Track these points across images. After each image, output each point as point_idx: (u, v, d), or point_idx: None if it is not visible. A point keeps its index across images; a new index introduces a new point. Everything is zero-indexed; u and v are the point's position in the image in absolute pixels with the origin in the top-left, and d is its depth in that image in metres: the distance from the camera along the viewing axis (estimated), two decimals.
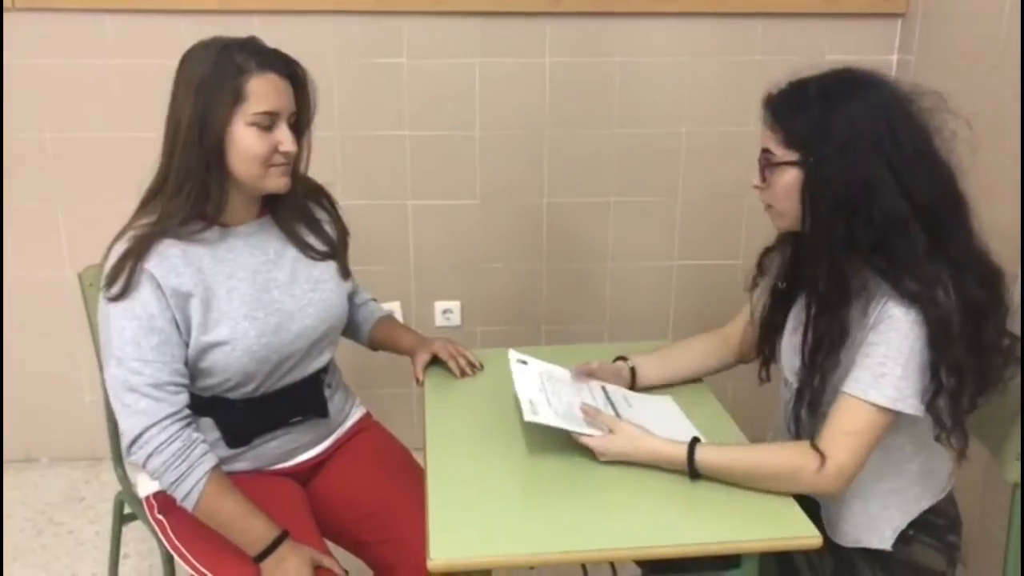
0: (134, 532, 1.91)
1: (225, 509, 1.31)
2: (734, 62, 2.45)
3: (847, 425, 1.19)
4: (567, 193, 2.52)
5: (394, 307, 2.54)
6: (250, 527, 1.31)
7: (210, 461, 1.32)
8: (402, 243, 2.54)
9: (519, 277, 2.60)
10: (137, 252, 1.32)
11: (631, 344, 1.78)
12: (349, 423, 1.63)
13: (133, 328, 1.31)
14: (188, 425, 1.33)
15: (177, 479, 1.30)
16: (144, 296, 1.31)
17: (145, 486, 1.48)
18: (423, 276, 2.58)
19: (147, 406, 1.30)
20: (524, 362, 1.48)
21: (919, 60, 2.38)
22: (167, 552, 1.48)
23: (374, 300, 1.77)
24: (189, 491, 1.30)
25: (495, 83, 2.42)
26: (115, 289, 1.31)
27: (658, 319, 2.66)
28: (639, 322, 2.65)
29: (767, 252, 1.49)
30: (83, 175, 2.42)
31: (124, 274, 1.31)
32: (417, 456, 1.64)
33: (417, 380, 1.61)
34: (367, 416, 1.68)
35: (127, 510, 1.78)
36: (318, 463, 1.57)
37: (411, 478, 1.56)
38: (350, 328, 1.70)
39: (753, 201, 2.50)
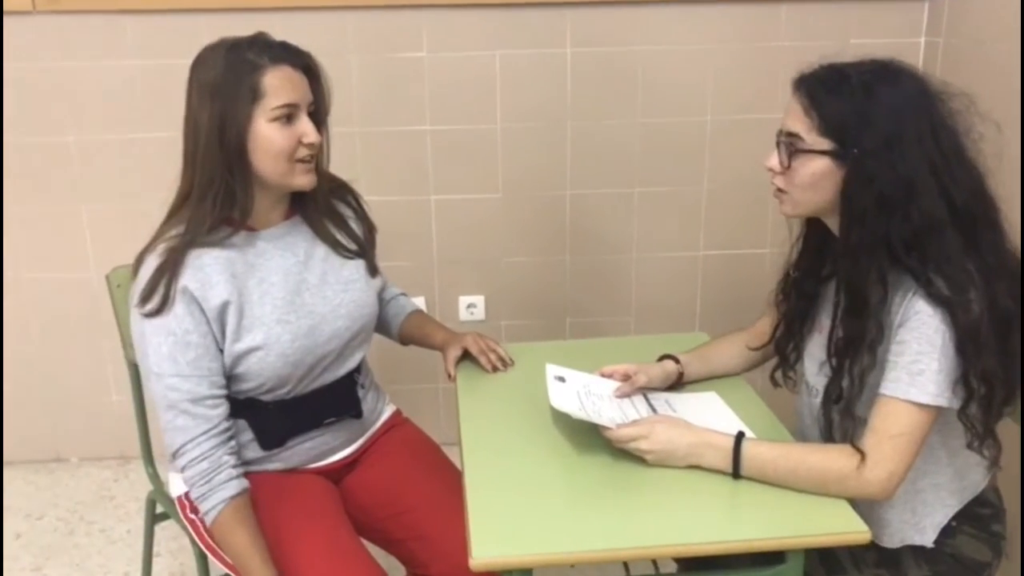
0: (166, 531, 1.91)
1: (232, 542, 1.31)
2: (758, 48, 2.41)
3: (892, 428, 1.16)
4: (590, 185, 2.50)
5: (418, 302, 2.53)
6: (250, 570, 1.29)
7: (231, 489, 1.32)
8: (425, 238, 2.53)
9: (543, 270, 2.58)
10: (171, 268, 1.31)
11: (659, 336, 1.76)
12: (380, 421, 1.62)
13: (169, 344, 1.31)
14: (224, 441, 1.34)
15: (199, 497, 1.32)
16: (178, 312, 1.31)
17: (177, 486, 1.48)
18: (446, 271, 2.57)
19: (184, 423, 1.32)
20: (562, 378, 1.45)
21: (947, 43, 2.34)
22: (200, 551, 1.48)
23: (404, 294, 1.76)
24: (207, 512, 1.32)
25: (516, 75, 2.40)
26: (150, 306, 1.31)
27: (685, 310, 2.64)
28: (665, 314, 2.63)
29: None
30: (106, 177, 2.42)
31: (160, 291, 1.30)
32: (447, 451, 1.64)
33: (449, 376, 1.60)
34: (397, 413, 1.68)
35: (159, 509, 1.78)
36: (350, 462, 1.56)
37: (442, 475, 1.56)
38: (380, 323, 1.68)
39: None
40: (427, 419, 1.79)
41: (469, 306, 2.60)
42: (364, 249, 1.53)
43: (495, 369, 1.60)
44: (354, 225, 1.55)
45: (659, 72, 2.42)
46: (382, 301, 1.68)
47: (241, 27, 1.42)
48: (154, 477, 1.76)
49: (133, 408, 1.73)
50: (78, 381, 2.60)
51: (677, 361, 1.50)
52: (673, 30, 2.39)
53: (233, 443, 1.36)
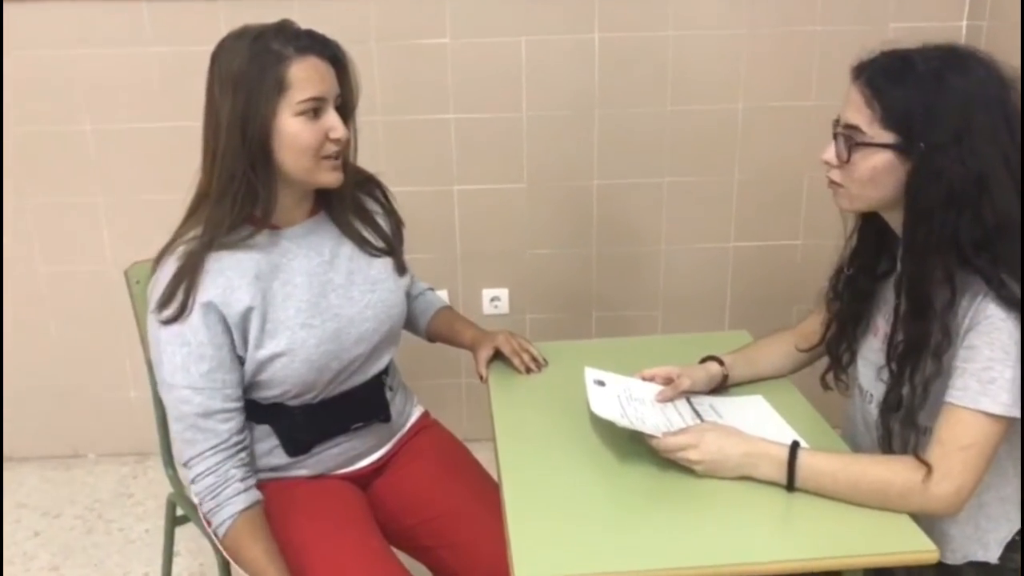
0: (185, 531, 1.86)
1: (245, 557, 1.27)
2: (792, 33, 2.33)
3: (960, 440, 1.08)
4: (618, 175, 2.43)
5: (441, 296, 2.48)
6: None
7: (239, 503, 1.27)
8: (448, 229, 2.47)
9: (569, 263, 2.51)
10: (189, 273, 1.25)
11: (698, 335, 1.70)
12: (409, 424, 1.57)
13: (183, 354, 1.26)
14: (233, 455, 1.29)
15: (208, 512, 1.29)
16: (194, 322, 1.25)
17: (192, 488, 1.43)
18: (470, 263, 2.51)
19: (192, 436, 1.28)
20: (601, 382, 1.39)
21: (991, 26, 2.25)
22: (223, 558, 1.43)
23: (431, 289, 1.70)
24: (217, 527, 1.28)
25: (542, 61, 2.32)
26: (167, 313, 1.26)
27: (714, 304, 2.57)
28: (694, 307, 2.56)
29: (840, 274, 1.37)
30: (124, 167, 2.37)
31: (178, 298, 1.25)
32: (472, 447, 1.59)
33: (481, 377, 1.54)
34: (425, 415, 1.62)
35: (179, 512, 1.74)
36: (379, 467, 1.51)
37: (473, 479, 1.51)
38: (407, 320, 1.62)
39: (813, 179, 2.44)
40: (451, 416, 1.74)
41: (493, 299, 2.54)
42: (392, 246, 1.47)
43: (528, 370, 1.53)
44: (381, 221, 1.48)
45: (689, 58, 2.33)
46: (409, 297, 1.62)
47: (261, 13, 1.35)
48: (174, 479, 1.71)
49: (152, 404, 1.68)
50: (95, 376, 2.55)
51: (721, 363, 1.43)
52: (704, 15, 2.30)
53: (243, 455, 1.31)
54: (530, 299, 2.55)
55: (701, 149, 2.42)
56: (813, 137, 2.39)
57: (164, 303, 1.25)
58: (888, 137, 1.12)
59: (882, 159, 1.13)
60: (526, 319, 2.56)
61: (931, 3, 2.31)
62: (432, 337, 1.66)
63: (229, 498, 1.27)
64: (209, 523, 1.31)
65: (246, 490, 1.29)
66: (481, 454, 1.60)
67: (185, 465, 1.31)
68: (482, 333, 1.59)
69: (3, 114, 2.31)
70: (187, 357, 1.26)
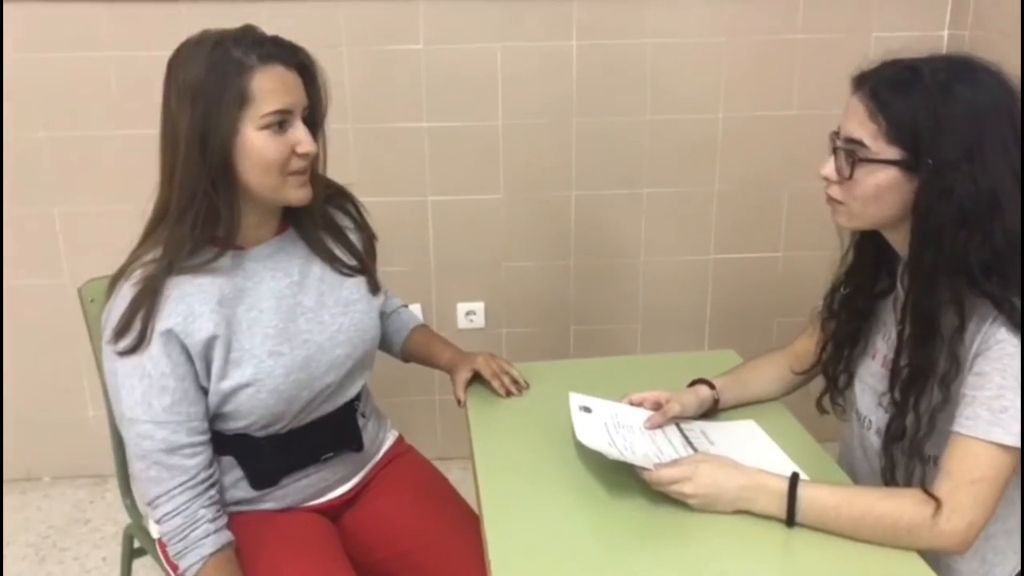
0: (144, 560, 1.77)
1: None
2: (774, 41, 2.29)
3: (970, 473, 1.02)
4: (596, 185, 2.37)
5: (414, 310, 2.40)
6: None
7: (208, 546, 1.19)
8: (422, 242, 2.39)
9: (546, 275, 2.45)
10: (148, 300, 1.16)
11: (684, 355, 1.65)
12: (382, 452, 1.48)
13: (143, 388, 1.17)
14: (201, 492, 1.21)
15: (176, 554, 1.20)
16: (155, 352, 1.16)
17: (157, 527, 1.34)
18: (444, 276, 2.43)
19: (157, 474, 1.19)
20: (587, 408, 1.32)
21: (973, 36, 2.22)
22: None
23: (405, 306, 1.62)
24: (186, 570, 1.19)
25: (519, 69, 2.26)
26: (124, 343, 1.16)
27: (694, 316, 2.52)
28: (674, 320, 2.51)
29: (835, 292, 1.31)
30: (81, 176, 2.26)
31: (135, 327, 1.16)
32: (447, 466, 1.52)
33: (459, 401, 1.46)
34: (399, 441, 1.53)
35: (137, 543, 1.63)
36: (350, 498, 1.42)
37: (450, 509, 1.43)
38: (380, 340, 1.54)
39: (795, 190, 2.41)
40: (425, 434, 1.67)
41: (468, 313, 2.46)
42: (365, 264, 1.39)
43: (509, 393, 1.46)
44: (353, 237, 1.40)
45: (669, 66, 2.28)
46: (382, 315, 1.54)
47: (225, 16, 1.27)
48: (132, 509, 1.61)
49: (109, 425, 1.58)
50: (51, 394, 2.43)
51: (712, 386, 1.37)
52: (684, 22, 2.25)
53: (213, 492, 1.22)
54: (506, 313, 2.48)
55: (681, 159, 2.37)
56: (794, 147, 2.38)
57: (120, 332, 1.16)
58: (893, 153, 1.06)
59: (887, 176, 1.07)
60: (502, 333, 2.49)
61: (913, 13, 2.29)
62: (407, 358, 1.58)
63: (199, 540, 1.18)
64: (175, 567, 1.21)
65: (216, 531, 1.20)
66: (455, 474, 1.53)
67: (150, 505, 1.21)
68: (460, 354, 1.51)
69: (2, 117, 2.20)
70: (148, 390, 1.17)
